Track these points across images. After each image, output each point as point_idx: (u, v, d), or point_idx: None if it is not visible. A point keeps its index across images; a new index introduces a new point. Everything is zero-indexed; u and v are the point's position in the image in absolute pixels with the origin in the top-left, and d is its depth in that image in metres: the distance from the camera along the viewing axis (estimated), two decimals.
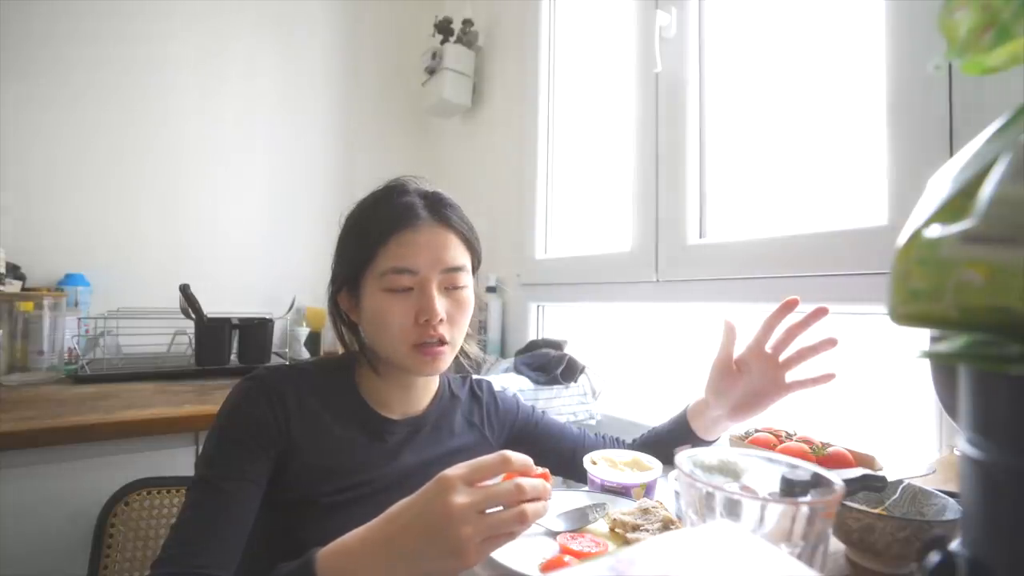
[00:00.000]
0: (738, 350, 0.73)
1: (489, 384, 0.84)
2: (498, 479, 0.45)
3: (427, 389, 0.73)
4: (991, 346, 0.22)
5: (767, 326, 0.70)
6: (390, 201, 0.66)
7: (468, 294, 0.68)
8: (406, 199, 0.66)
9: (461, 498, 0.42)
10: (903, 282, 0.25)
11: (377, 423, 0.68)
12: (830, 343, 0.66)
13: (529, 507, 0.43)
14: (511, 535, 0.44)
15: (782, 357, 0.69)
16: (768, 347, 0.70)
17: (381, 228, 0.65)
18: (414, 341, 0.64)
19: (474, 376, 0.84)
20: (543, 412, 0.86)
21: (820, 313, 0.66)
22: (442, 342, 0.64)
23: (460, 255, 0.67)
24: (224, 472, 0.59)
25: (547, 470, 0.49)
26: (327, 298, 0.72)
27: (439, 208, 0.67)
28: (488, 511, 0.43)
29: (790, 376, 0.69)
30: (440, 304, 0.64)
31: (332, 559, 0.47)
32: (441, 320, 0.64)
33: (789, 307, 0.69)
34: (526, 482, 0.44)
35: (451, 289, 0.66)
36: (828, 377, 0.66)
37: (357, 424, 0.67)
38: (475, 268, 0.72)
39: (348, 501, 0.62)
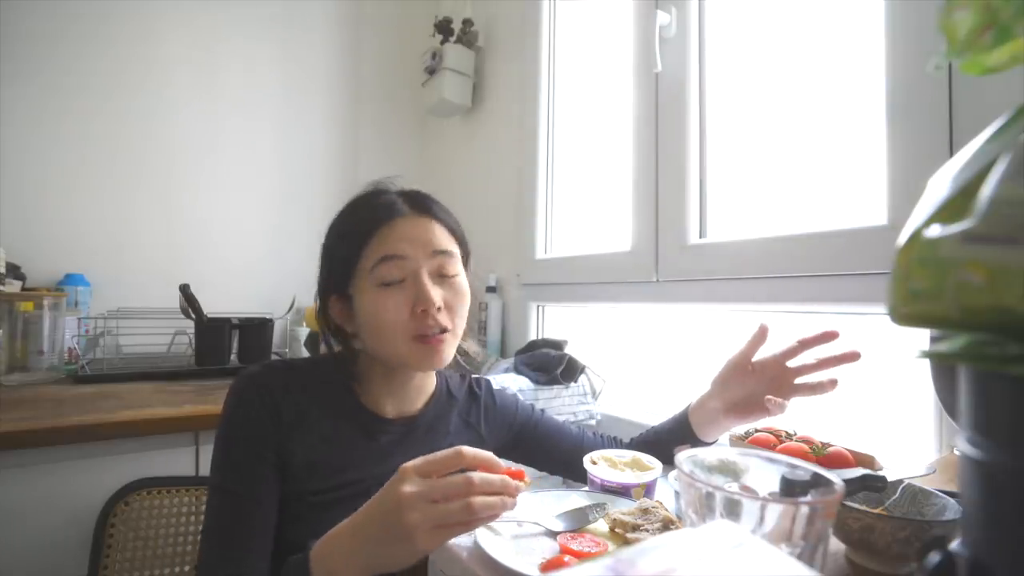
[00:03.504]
0: (761, 355, 0.74)
1: (488, 383, 0.83)
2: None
3: (423, 389, 0.73)
4: (991, 346, 0.22)
5: (800, 346, 0.70)
6: (370, 202, 0.67)
7: (462, 281, 0.68)
8: (385, 198, 0.67)
9: (410, 487, 0.45)
10: (903, 282, 0.25)
11: (370, 422, 0.68)
12: (832, 384, 0.68)
13: (477, 500, 0.44)
14: (464, 525, 0.46)
15: (799, 380, 0.70)
16: (791, 364, 0.70)
17: (364, 226, 0.65)
18: (413, 333, 0.63)
19: (473, 375, 0.84)
20: (543, 411, 0.85)
21: (853, 357, 0.66)
22: (443, 330, 0.64)
23: (447, 241, 0.67)
24: (238, 477, 0.60)
25: (523, 469, 0.50)
26: (316, 311, 0.71)
27: (419, 201, 0.68)
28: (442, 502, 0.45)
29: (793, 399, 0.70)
30: (435, 292, 0.63)
31: (321, 546, 0.50)
32: (439, 308, 0.63)
33: (828, 337, 0.68)
34: (477, 476, 0.45)
35: (444, 277, 0.65)
36: (833, 384, 0.68)
37: (350, 423, 0.67)
38: (465, 261, 0.71)
39: (337, 500, 0.63)
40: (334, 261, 0.67)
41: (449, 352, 0.66)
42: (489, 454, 0.48)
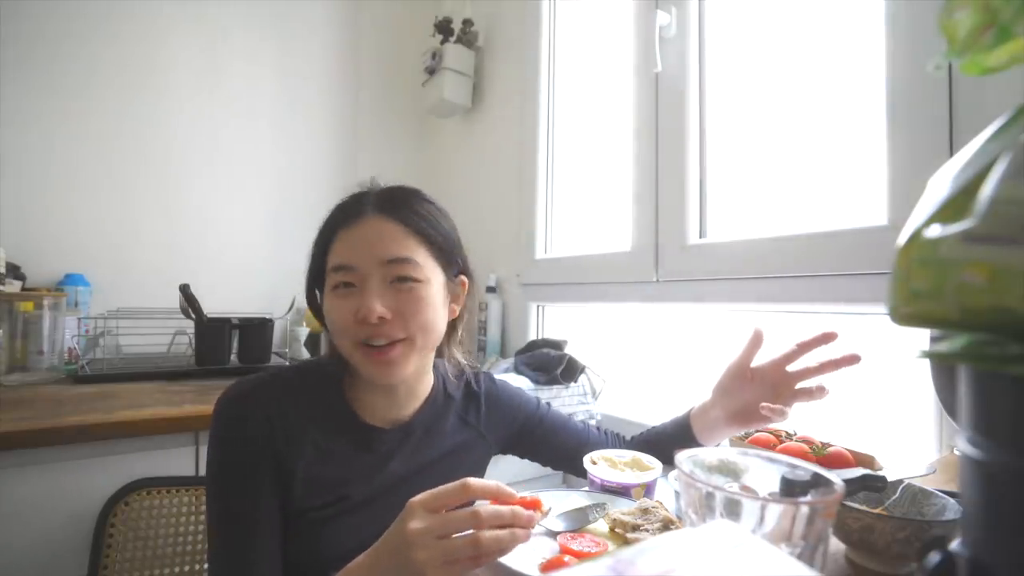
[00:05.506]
0: (759, 360, 0.73)
1: (488, 377, 0.81)
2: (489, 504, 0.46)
3: (414, 393, 0.70)
4: (991, 346, 0.22)
5: (800, 349, 0.69)
6: (343, 203, 0.66)
7: (423, 288, 0.62)
8: (356, 198, 0.66)
9: (417, 524, 0.44)
10: (904, 282, 0.25)
11: (364, 433, 0.66)
12: (821, 392, 0.67)
13: (485, 534, 0.44)
14: (475, 560, 0.45)
15: (800, 385, 0.69)
16: (790, 368, 0.69)
17: (328, 229, 0.64)
18: (357, 339, 0.60)
19: (471, 372, 0.80)
20: (548, 405, 0.84)
21: (853, 360, 0.65)
22: (394, 341, 0.60)
23: (406, 246, 0.62)
24: (239, 504, 0.59)
25: (539, 498, 0.49)
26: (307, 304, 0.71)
27: (388, 202, 0.64)
28: (453, 536, 0.44)
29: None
30: (380, 300, 0.59)
31: None
32: (382, 318, 0.59)
33: (827, 339, 0.67)
34: (485, 509, 0.45)
35: (400, 282, 0.61)
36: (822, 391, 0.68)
37: (343, 434, 0.65)
38: (446, 264, 0.66)
39: (337, 514, 0.62)
40: (311, 261, 0.68)
41: (406, 364, 0.62)
42: (498, 484, 0.47)
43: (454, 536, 0.44)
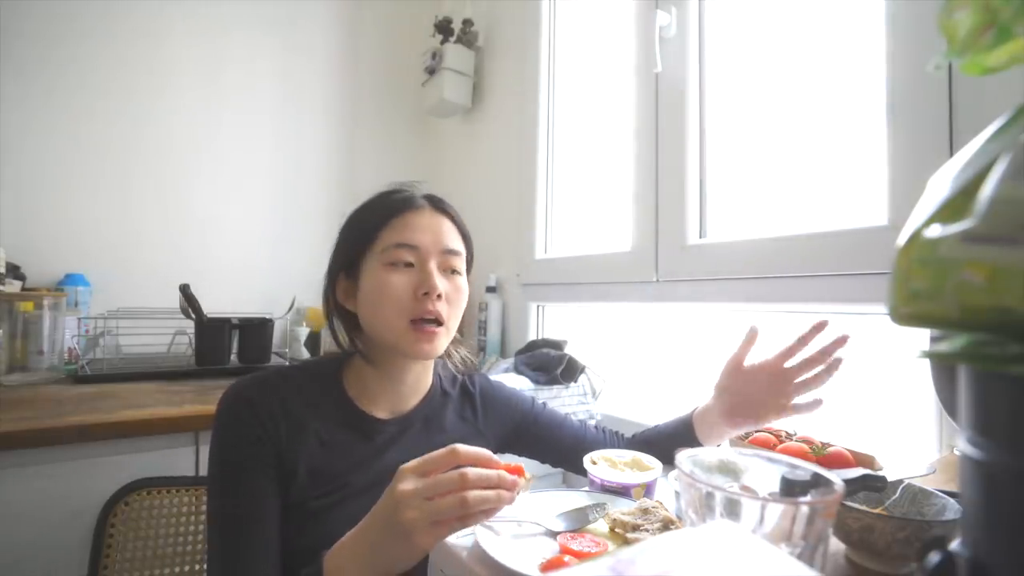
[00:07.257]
0: (758, 357, 0.73)
1: (483, 377, 0.83)
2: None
3: (417, 387, 0.73)
4: (991, 346, 0.22)
5: (798, 343, 0.70)
6: (391, 194, 0.71)
7: (464, 282, 0.70)
8: (406, 193, 0.71)
9: (407, 485, 0.46)
10: (904, 282, 0.25)
11: (364, 423, 0.68)
12: (836, 364, 0.67)
13: (471, 494, 0.45)
14: (461, 520, 0.46)
15: (799, 379, 0.69)
16: (788, 364, 0.70)
17: (384, 212, 0.68)
18: (412, 316, 0.64)
19: (465, 373, 0.83)
20: (544, 404, 0.85)
21: (842, 341, 0.66)
22: (439, 322, 0.65)
23: (457, 242, 0.70)
24: (238, 500, 0.59)
25: (522, 464, 0.51)
26: (323, 290, 0.72)
27: (437, 202, 0.71)
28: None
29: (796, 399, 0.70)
30: (440, 282, 0.65)
31: (332, 555, 0.51)
32: (440, 296, 0.65)
33: (819, 328, 0.68)
34: (471, 471, 0.46)
35: (449, 273, 0.68)
36: (817, 403, 0.69)
37: (344, 425, 0.67)
38: (468, 266, 0.74)
39: (338, 502, 0.63)
40: (350, 240, 0.70)
41: (440, 345, 0.67)
42: (484, 451, 0.49)
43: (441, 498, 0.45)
